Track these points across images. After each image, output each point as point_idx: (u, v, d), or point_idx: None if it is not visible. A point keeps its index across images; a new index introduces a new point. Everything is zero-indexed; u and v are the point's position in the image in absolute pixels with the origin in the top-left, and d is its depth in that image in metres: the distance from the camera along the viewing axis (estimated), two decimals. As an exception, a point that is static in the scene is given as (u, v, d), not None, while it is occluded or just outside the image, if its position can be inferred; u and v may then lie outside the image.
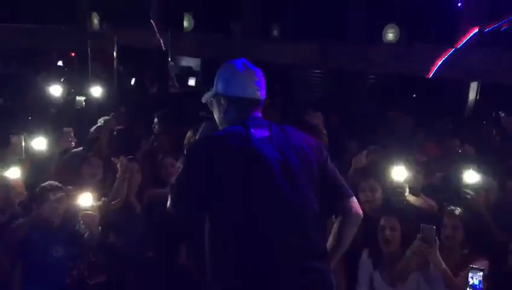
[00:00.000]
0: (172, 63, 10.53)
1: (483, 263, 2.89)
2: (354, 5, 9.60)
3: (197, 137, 2.29)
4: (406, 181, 3.53)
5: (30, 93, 7.14)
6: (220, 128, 2.15)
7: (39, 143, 4.07)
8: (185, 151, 2.25)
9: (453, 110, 7.37)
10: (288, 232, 1.88)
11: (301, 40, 9.56)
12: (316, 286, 1.90)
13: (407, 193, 3.53)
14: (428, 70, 7.68)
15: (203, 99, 2.24)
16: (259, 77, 2.16)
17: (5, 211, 3.42)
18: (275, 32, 10.35)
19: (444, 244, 3.09)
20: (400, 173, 3.53)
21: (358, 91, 9.38)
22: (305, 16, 10.44)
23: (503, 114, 6.36)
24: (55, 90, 6.89)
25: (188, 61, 12.67)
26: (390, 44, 8.61)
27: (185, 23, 11.50)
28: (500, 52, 6.98)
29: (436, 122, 5.84)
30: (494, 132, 5.66)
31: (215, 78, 2.18)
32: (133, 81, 10.90)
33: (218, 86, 2.16)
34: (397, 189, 3.52)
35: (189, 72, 12.28)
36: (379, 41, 8.66)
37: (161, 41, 9.92)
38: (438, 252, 2.91)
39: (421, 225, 2.91)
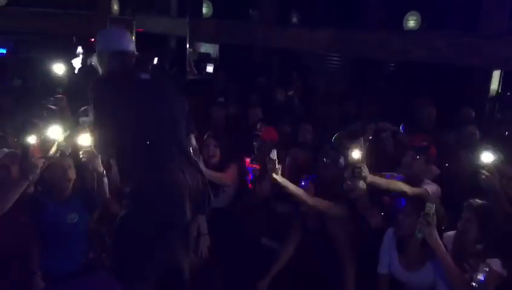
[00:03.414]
0: (190, 50, 10.54)
1: (495, 261, 2.84)
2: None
3: None
4: (361, 160, 3.34)
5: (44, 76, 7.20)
6: None
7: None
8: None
9: (475, 99, 7.25)
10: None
11: (319, 26, 9.47)
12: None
13: (365, 173, 3.33)
14: (451, 58, 7.56)
15: (91, 62, 2.82)
16: (128, 34, 2.92)
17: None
18: (294, 19, 10.27)
19: (457, 238, 3.07)
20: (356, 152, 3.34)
21: (377, 79, 9.28)
22: (324, 2, 10.33)
23: None
24: (59, 68, 6.53)
25: (206, 48, 12.67)
26: (411, 31, 8.49)
27: (204, 10, 11.48)
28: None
29: (458, 112, 5.74)
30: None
31: (97, 41, 2.87)
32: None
33: (99, 46, 2.85)
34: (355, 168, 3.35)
35: (207, 58, 12.28)
36: (399, 29, 8.53)
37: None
38: (435, 232, 2.92)
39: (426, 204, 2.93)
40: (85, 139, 3.27)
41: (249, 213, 4.12)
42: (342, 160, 3.65)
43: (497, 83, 7.91)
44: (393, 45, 8.47)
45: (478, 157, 3.53)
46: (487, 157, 3.49)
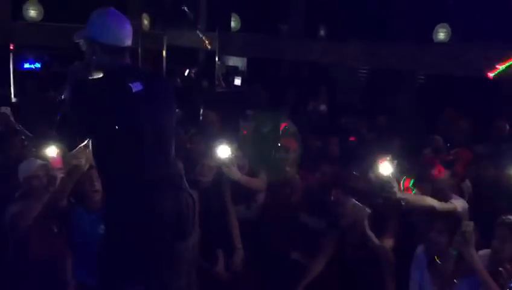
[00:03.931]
0: (219, 63, 10.65)
1: None
2: (402, 3, 9.40)
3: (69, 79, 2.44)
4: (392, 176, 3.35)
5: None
6: (90, 69, 2.40)
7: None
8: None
9: (508, 112, 7.09)
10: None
11: (348, 39, 9.45)
12: None
13: (396, 189, 3.34)
14: (482, 71, 7.43)
15: (75, 38, 2.45)
16: (128, 25, 2.39)
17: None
18: (322, 32, 10.28)
19: (493, 258, 2.97)
20: (385, 168, 3.36)
21: (406, 92, 9.18)
22: (352, 15, 10.32)
23: None
24: None
25: (234, 61, 12.79)
26: (441, 44, 8.39)
27: (232, 24, 11.60)
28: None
29: (492, 125, 5.63)
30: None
31: (89, 22, 2.39)
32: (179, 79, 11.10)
33: (92, 31, 2.36)
34: (386, 185, 3.34)
35: (235, 71, 12.39)
36: (429, 41, 8.45)
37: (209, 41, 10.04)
38: (473, 251, 2.84)
39: (463, 221, 2.87)
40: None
41: (279, 226, 4.12)
42: (372, 174, 3.62)
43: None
44: (423, 58, 8.38)
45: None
46: None
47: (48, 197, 3.18)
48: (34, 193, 3.27)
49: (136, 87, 2.31)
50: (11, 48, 10.19)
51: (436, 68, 8.22)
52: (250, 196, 4.10)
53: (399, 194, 3.32)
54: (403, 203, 3.39)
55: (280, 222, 4.11)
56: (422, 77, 9.26)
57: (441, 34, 8.57)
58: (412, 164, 4.31)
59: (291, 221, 4.05)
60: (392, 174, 3.32)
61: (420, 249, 3.26)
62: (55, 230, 3.30)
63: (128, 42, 2.39)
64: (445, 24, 8.51)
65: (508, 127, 5.61)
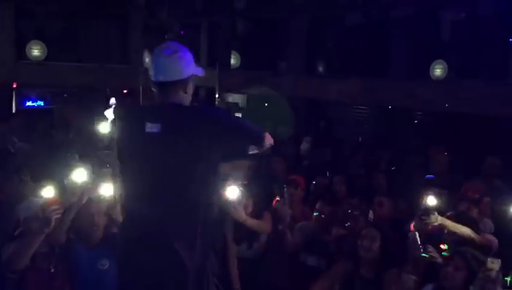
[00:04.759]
0: (219, 99, 10.75)
1: None
2: (399, 41, 9.58)
3: None
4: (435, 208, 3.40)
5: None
6: None
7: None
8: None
9: (505, 148, 7.12)
10: None
11: (346, 76, 9.58)
12: None
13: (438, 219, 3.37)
14: (478, 107, 7.50)
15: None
16: (162, 56, 2.34)
17: None
18: (320, 69, 10.43)
19: None
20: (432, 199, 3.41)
21: (404, 127, 9.25)
22: (350, 52, 10.50)
23: None
24: (103, 127, 6.47)
25: (234, 98, 12.91)
26: (438, 80, 8.49)
27: (232, 61, 11.78)
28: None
29: (485, 161, 5.64)
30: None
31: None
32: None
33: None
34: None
35: (235, 108, 12.49)
36: (426, 78, 8.55)
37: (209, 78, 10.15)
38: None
39: (488, 258, 2.79)
40: (107, 189, 3.34)
41: (279, 264, 4.08)
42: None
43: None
44: (420, 95, 8.47)
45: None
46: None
47: (44, 237, 3.17)
48: (32, 233, 3.26)
49: (149, 128, 2.25)
50: (14, 86, 10.34)
51: (433, 105, 8.29)
52: (253, 236, 4.07)
53: (439, 219, 3.35)
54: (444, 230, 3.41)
55: (281, 259, 4.08)
56: (420, 113, 9.34)
57: (438, 70, 8.68)
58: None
59: (291, 260, 4.02)
60: (436, 205, 3.38)
61: (429, 288, 3.14)
62: (52, 270, 3.27)
63: (161, 78, 2.35)
64: (441, 60, 8.63)
65: (498, 163, 5.59)
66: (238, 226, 3.92)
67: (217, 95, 10.30)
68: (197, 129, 2.25)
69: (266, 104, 11.06)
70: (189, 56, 2.42)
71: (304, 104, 10.61)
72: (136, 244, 2.28)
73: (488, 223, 4.13)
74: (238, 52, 11.84)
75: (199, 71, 2.48)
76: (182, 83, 2.38)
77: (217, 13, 11.93)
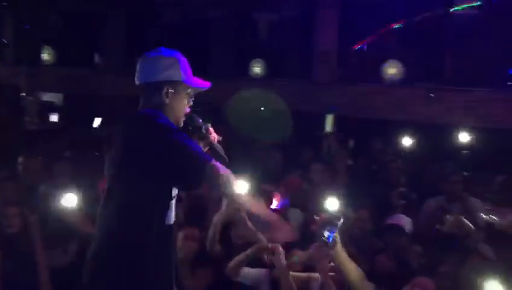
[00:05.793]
0: (31, 98, 9.85)
1: None
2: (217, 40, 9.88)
3: None
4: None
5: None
6: None
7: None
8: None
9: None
10: None
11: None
12: None
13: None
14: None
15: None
16: (144, 58, 2.20)
17: None
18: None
19: None
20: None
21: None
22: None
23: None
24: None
25: (50, 96, 11.98)
26: (256, 78, 9.05)
27: (45, 56, 10.92)
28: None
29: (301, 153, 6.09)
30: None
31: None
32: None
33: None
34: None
35: (51, 107, 11.58)
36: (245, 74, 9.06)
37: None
38: None
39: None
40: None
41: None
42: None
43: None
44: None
45: None
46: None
47: None
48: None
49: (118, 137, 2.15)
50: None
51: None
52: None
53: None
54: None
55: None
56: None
57: (256, 69, 9.27)
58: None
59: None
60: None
61: None
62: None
63: (137, 81, 2.21)
64: (259, 59, 9.24)
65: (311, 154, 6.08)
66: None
67: (24, 94, 9.42)
68: (131, 147, 2.08)
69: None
70: (172, 61, 2.16)
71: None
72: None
73: None
74: (51, 47, 11.01)
75: (193, 82, 2.22)
76: (154, 88, 2.14)
77: (25, 5, 10.91)
